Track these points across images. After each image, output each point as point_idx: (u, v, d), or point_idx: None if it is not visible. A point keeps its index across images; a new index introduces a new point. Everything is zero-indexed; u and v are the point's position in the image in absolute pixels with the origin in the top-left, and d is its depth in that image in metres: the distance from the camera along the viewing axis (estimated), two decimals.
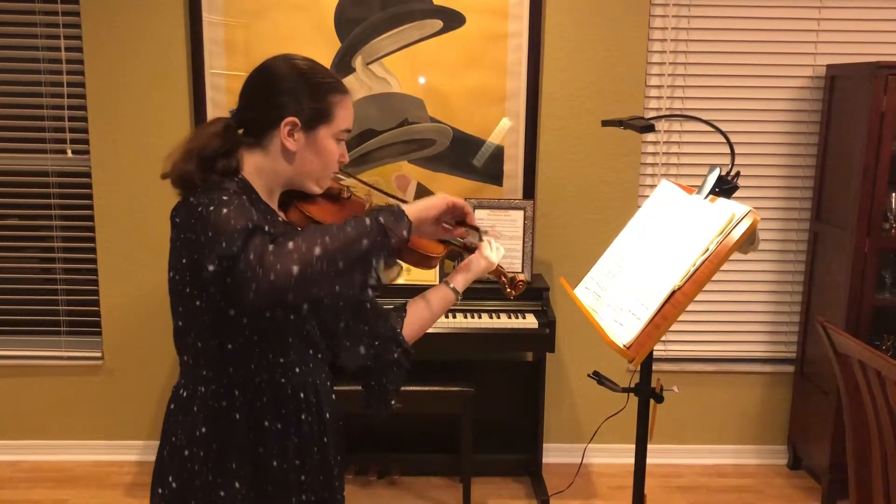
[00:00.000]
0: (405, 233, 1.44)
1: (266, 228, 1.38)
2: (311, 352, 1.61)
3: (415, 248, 1.73)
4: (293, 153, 1.55)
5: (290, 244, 1.33)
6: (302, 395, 1.58)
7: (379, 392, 1.75)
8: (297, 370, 1.58)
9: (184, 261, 1.47)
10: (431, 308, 1.79)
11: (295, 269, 1.30)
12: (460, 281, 1.80)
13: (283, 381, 1.56)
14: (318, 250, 1.33)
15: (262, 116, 1.55)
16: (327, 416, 1.63)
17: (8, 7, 3.47)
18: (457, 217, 1.64)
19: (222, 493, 1.52)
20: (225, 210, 1.39)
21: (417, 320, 1.78)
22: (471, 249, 1.85)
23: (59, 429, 3.72)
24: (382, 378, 1.73)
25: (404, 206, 1.48)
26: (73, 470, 3.64)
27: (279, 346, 1.55)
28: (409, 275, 3.28)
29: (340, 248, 1.35)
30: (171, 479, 1.55)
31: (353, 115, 1.61)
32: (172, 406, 1.60)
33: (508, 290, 1.91)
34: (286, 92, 1.53)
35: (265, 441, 1.54)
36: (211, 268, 1.36)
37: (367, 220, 1.40)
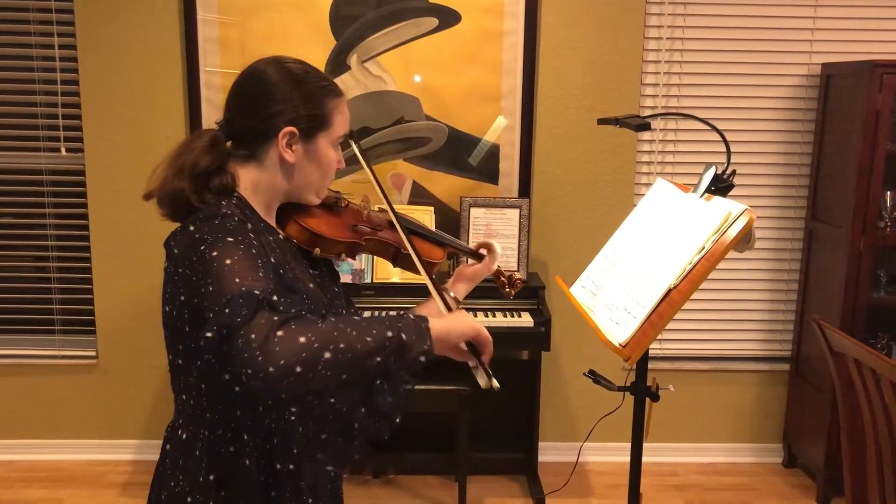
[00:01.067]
0: (422, 357, 1.30)
1: (275, 298, 1.24)
2: None
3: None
4: (292, 165, 1.44)
5: (302, 338, 1.19)
6: (313, 431, 1.48)
7: (380, 413, 1.57)
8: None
9: (182, 298, 1.37)
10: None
11: (298, 369, 1.18)
12: (462, 291, 1.78)
13: (293, 419, 1.45)
14: (328, 355, 1.20)
15: (255, 127, 1.43)
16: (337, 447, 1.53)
17: (1, 4, 3.45)
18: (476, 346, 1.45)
19: None
20: (229, 261, 1.26)
21: None
22: (474, 255, 1.84)
23: (54, 428, 3.71)
24: (387, 397, 1.54)
25: (431, 323, 1.33)
26: (67, 469, 3.63)
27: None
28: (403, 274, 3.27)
29: (352, 361, 1.23)
30: None
31: (349, 119, 1.53)
32: (168, 447, 1.48)
33: (507, 289, 1.91)
34: (281, 100, 1.41)
35: (278, 485, 1.45)
36: (208, 335, 1.22)
37: (389, 333, 1.26)
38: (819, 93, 3.53)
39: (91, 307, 3.64)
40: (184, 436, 1.45)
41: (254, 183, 1.45)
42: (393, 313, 1.35)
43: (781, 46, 3.55)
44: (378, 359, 1.25)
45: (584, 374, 2.10)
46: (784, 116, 3.60)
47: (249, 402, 1.41)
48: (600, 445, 3.65)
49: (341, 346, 1.21)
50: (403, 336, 1.27)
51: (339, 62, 3.49)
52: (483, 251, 1.82)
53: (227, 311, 1.21)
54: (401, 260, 1.70)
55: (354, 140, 1.60)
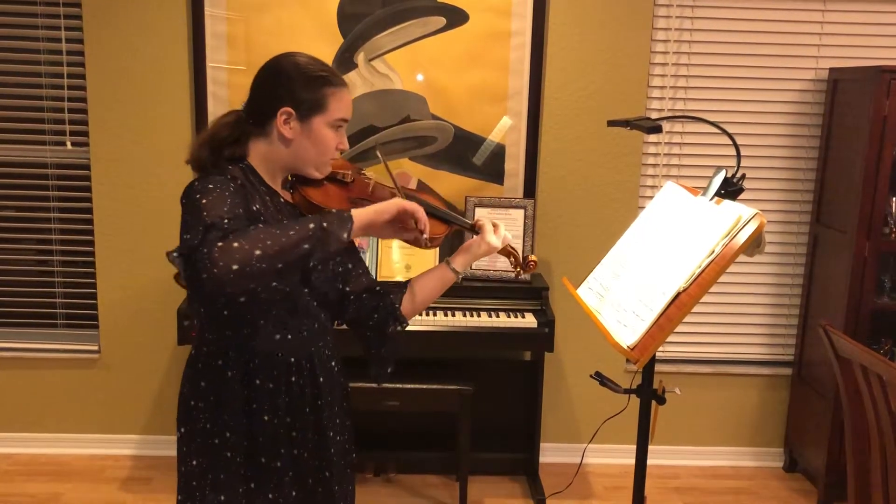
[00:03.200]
0: (346, 236, 1.55)
1: (225, 224, 1.50)
2: (306, 321, 1.75)
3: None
4: (290, 140, 1.70)
5: (235, 243, 1.45)
6: (293, 359, 1.74)
7: (378, 360, 1.90)
8: (290, 337, 1.73)
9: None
10: (431, 287, 1.89)
11: (234, 266, 1.43)
12: (460, 262, 1.88)
13: (276, 345, 1.71)
14: (258, 251, 1.45)
15: (263, 107, 1.70)
16: (321, 380, 1.77)
17: None
18: (411, 220, 1.71)
19: (216, 441, 1.72)
20: (205, 200, 1.55)
21: (417, 298, 1.88)
22: (475, 230, 1.88)
23: (56, 422, 3.71)
24: (382, 348, 1.89)
25: (354, 211, 1.59)
26: (68, 463, 3.63)
27: (269, 317, 1.70)
28: (408, 272, 3.27)
29: (280, 251, 1.47)
30: (179, 424, 1.77)
31: (350, 106, 1.74)
32: (187, 360, 1.79)
33: (518, 269, 1.94)
34: (283, 84, 1.69)
35: (257, 398, 1.71)
36: (175, 254, 1.56)
37: (312, 224, 1.52)
38: (826, 98, 3.53)
39: (94, 301, 3.63)
40: (194, 352, 1.77)
41: (261, 154, 1.73)
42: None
43: (789, 51, 3.54)
44: (305, 246, 1.50)
45: (591, 375, 2.10)
46: (790, 121, 3.60)
47: (237, 326, 1.69)
48: (601, 447, 3.66)
49: (268, 242, 1.47)
50: (325, 224, 1.53)
51: (345, 60, 3.49)
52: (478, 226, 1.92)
53: (187, 235, 1.53)
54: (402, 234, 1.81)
55: (381, 152, 1.96)
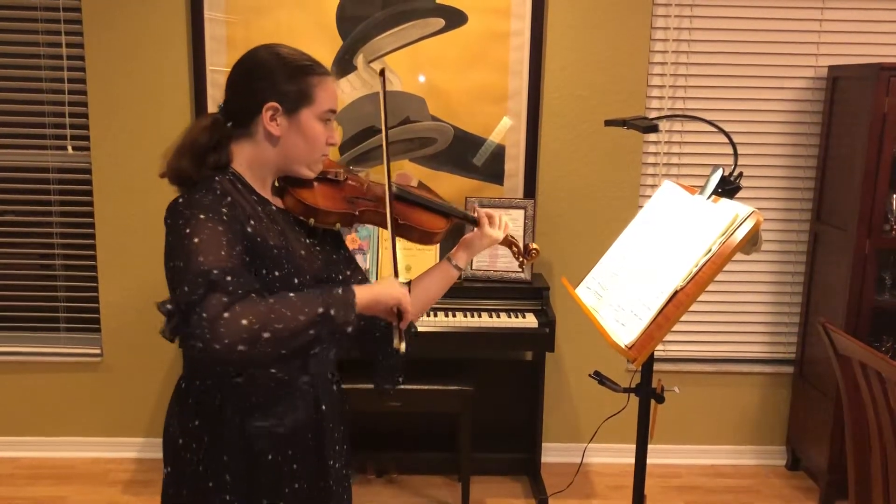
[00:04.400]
0: (349, 328, 1.46)
1: (229, 283, 1.38)
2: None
3: (415, 224, 1.75)
4: (278, 138, 1.57)
5: (244, 321, 1.34)
6: (297, 392, 1.62)
7: (387, 369, 1.79)
8: (291, 370, 1.60)
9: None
10: (434, 285, 1.81)
11: (241, 347, 1.34)
12: (463, 258, 1.83)
13: (276, 377, 1.59)
14: (267, 335, 1.36)
15: (244, 105, 1.57)
16: (323, 407, 1.65)
17: (9, 2, 3.46)
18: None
19: (211, 484, 1.58)
20: (197, 238, 1.42)
21: (420, 298, 1.79)
22: (474, 222, 1.85)
23: (59, 425, 3.72)
24: (388, 355, 1.77)
25: (357, 294, 1.49)
26: (72, 467, 3.64)
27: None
28: (409, 273, 3.28)
29: (288, 338, 1.38)
30: (166, 463, 1.66)
31: (336, 96, 1.62)
32: (173, 394, 1.66)
33: (521, 258, 1.92)
34: (264, 77, 1.55)
35: (258, 436, 1.57)
36: (168, 307, 1.45)
37: (320, 309, 1.42)
38: (825, 95, 3.53)
39: (96, 305, 3.64)
40: (183, 385, 1.62)
41: (247, 158, 1.59)
42: (325, 288, 1.51)
43: (788, 48, 3.54)
44: (311, 332, 1.41)
45: (590, 375, 2.10)
46: (790, 119, 3.60)
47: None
48: (603, 446, 3.66)
49: (278, 326, 1.37)
50: (332, 312, 1.43)
51: (345, 62, 3.50)
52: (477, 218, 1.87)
53: (186, 288, 1.38)
54: (400, 230, 1.75)
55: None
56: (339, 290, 1.48)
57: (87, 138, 3.52)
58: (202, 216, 1.45)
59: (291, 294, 1.46)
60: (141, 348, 3.63)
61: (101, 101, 3.46)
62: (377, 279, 3.31)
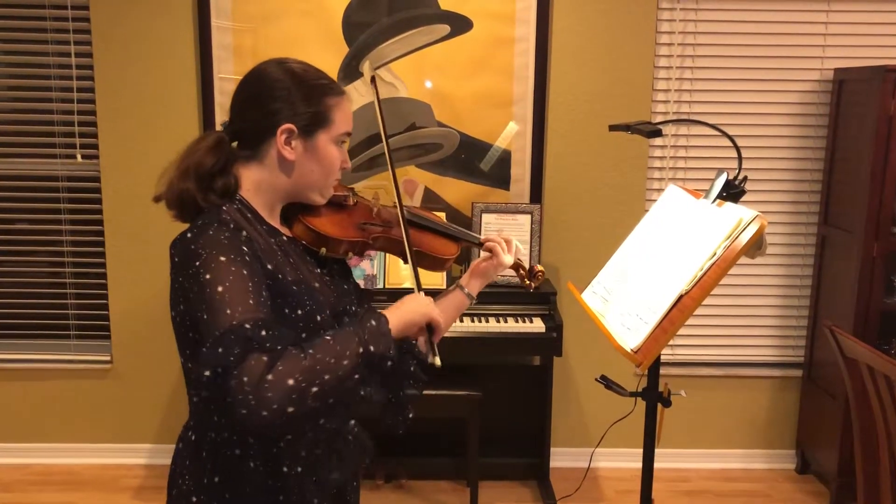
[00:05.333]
0: (389, 363, 1.36)
1: (263, 335, 1.25)
2: None
3: (427, 251, 1.69)
4: (292, 163, 1.45)
5: (290, 380, 1.22)
6: (322, 433, 1.51)
7: (396, 405, 1.55)
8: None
9: (181, 307, 1.41)
10: (447, 314, 1.66)
11: (290, 409, 1.22)
12: (476, 287, 1.77)
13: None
14: (315, 389, 1.24)
15: (255, 126, 1.44)
16: (347, 449, 1.57)
17: (19, 13, 3.49)
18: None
19: None
20: (221, 287, 1.28)
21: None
22: (485, 248, 1.81)
23: (69, 432, 3.74)
24: (399, 391, 1.54)
25: (390, 319, 1.39)
26: (81, 473, 3.66)
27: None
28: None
29: (336, 387, 1.27)
30: None
31: (351, 117, 1.52)
32: (181, 446, 1.52)
33: (528, 282, 1.89)
34: (279, 97, 1.43)
35: (285, 488, 1.45)
36: (207, 373, 1.24)
37: (360, 349, 1.31)
38: (831, 98, 3.53)
39: (106, 312, 3.67)
40: (193, 437, 1.48)
41: (256, 184, 1.47)
42: (356, 321, 1.41)
43: (794, 52, 3.54)
44: (356, 376, 1.30)
45: (596, 379, 2.10)
46: (796, 122, 3.60)
47: None
48: (612, 451, 3.65)
49: (326, 377, 1.26)
50: (371, 348, 1.33)
51: (351, 69, 3.51)
52: (489, 248, 1.79)
53: (219, 350, 1.23)
54: (413, 256, 1.68)
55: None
56: (372, 322, 1.37)
57: (95, 147, 3.55)
58: (222, 258, 1.31)
59: (327, 337, 1.32)
60: (150, 355, 3.65)
61: (109, 109, 3.49)
62: (384, 286, 3.33)
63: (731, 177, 1.96)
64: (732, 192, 1.94)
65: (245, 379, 1.20)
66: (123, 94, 3.47)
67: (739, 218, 1.79)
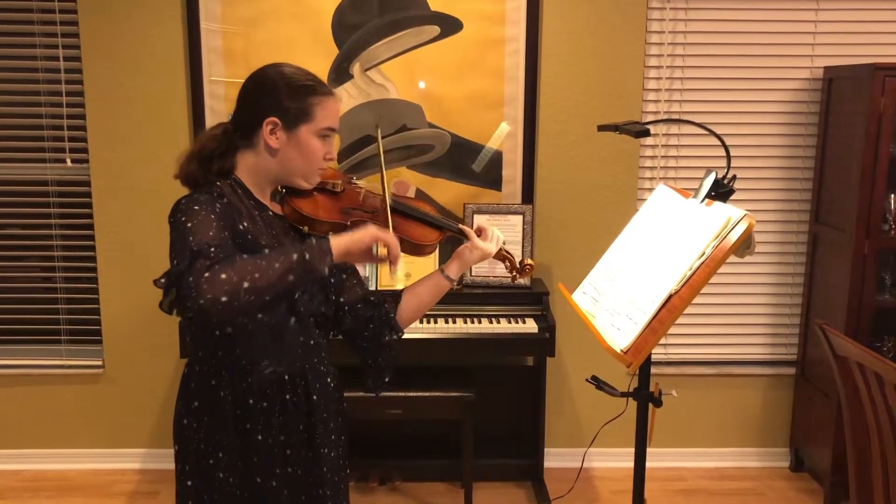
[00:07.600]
0: (326, 270, 1.55)
1: (212, 251, 1.49)
2: (301, 339, 1.74)
3: (408, 237, 1.81)
4: (276, 150, 1.69)
5: (223, 275, 1.45)
6: (287, 377, 1.73)
7: (375, 370, 1.90)
8: (282, 355, 1.72)
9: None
10: (426, 294, 1.89)
11: (224, 298, 1.43)
12: (454, 269, 1.89)
13: (268, 364, 1.71)
14: (246, 284, 1.45)
15: (249, 117, 1.70)
16: (315, 397, 1.76)
17: (6, 17, 3.48)
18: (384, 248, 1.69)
19: (211, 462, 1.71)
20: (190, 223, 1.55)
21: (412, 306, 1.89)
22: (466, 235, 1.90)
23: (61, 437, 3.73)
24: (378, 358, 1.89)
25: (332, 240, 1.58)
26: (74, 479, 3.64)
27: (260, 337, 1.69)
28: (408, 280, 3.28)
29: (267, 285, 1.48)
30: (175, 441, 1.77)
31: (337, 115, 1.73)
32: (181, 379, 1.79)
33: (514, 273, 1.96)
34: (269, 94, 1.68)
35: (251, 417, 1.70)
36: (162, 280, 1.53)
37: (295, 256, 1.51)
38: (821, 96, 3.53)
39: (97, 317, 3.65)
40: (186, 370, 1.77)
41: (249, 167, 1.72)
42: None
43: (783, 50, 3.55)
44: (290, 277, 1.50)
45: (587, 379, 2.10)
46: (786, 120, 3.60)
47: (227, 345, 1.69)
48: (606, 451, 3.65)
49: (256, 274, 1.47)
50: (307, 255, 1.52)
51: (341, 71, 3.51)
52: (462, 230, 1.93)
53: (176, 262, 1.52)
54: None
55: (379, 133, 1.88)
56: (314, 240, 1.57)
57: (85, 151, 3.53)
58: (196, 207, 1.58)
59: (267, 250, 1.59)
60: (142, 359, 3.64)
61: (98, 113, 3.48)
62: (376, 287, 3.32)
63: (720, 176, 1.96)
64: (721, 192, 1.94)
65: (190, 279, 1.44)
66: (113, 98, 3.46)
67: (728, 217, 1.79)
